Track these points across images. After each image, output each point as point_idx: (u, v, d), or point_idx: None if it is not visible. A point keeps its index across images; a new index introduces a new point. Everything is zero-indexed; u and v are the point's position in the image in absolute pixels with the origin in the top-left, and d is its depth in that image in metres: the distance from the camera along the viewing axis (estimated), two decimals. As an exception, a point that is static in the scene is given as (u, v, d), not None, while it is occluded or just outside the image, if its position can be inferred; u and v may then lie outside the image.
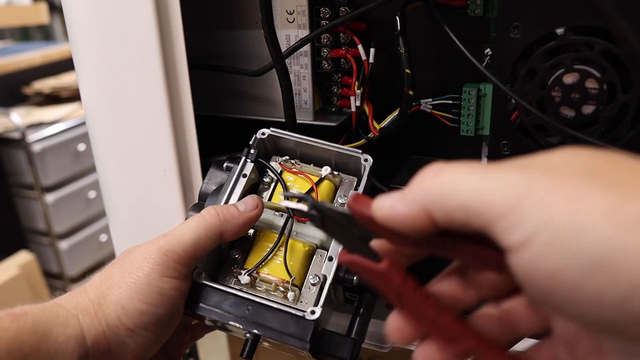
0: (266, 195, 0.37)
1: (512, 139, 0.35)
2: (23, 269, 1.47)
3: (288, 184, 0.37)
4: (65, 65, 1.91)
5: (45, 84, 1.80)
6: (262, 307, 0.32)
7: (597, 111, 0.32)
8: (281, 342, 0.31)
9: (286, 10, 0.42)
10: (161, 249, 0.32)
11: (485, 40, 0.37)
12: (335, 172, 0.37)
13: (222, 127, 0.49)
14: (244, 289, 0.34)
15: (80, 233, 1.70)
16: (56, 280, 1.68)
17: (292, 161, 0.37)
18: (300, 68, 0.43)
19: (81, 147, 1.67)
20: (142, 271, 0.31)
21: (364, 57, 0.41)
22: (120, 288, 0.31)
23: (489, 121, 0.37)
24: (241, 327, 0.32)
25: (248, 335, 0.32)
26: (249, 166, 0.36)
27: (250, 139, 0.37)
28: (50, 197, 1.58)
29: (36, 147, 1.53)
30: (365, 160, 0.35)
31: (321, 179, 0.36)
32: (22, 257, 1.51)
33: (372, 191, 0.36)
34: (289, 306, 0.32)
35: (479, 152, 0.40)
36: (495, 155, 0.36)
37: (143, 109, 0.41)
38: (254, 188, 0.38)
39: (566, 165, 0.17)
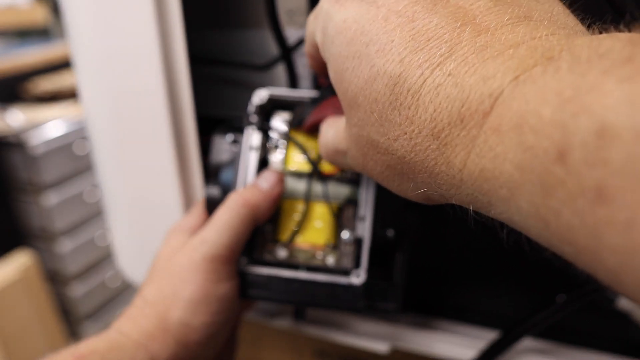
0: (278, 158, 0.36)
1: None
2: (22, 269, 1.47)
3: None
4: (65, 65, 1.91)
5: (44, 84, 1.80)
6: (308, 284, 0.33)
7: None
8: (334, 310, 0.33)
9: (286, 10, 0.42)
10: (206, 257, 0.31)
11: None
12: None
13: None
14: (284, 263, 0.34)
15: (80, 233, 1.70)
16: (56, 280, 1.68)
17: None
18: (300, 68, 0.43)
19: (81, 147, 1.67)
20: (196, 284, 0.31)
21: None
22: (180, 306, 0.31)
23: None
24: (292, 302, 0.33)
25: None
26: (256, 137, 0.35)
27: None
28: (49, 197, 1.58)
29: (35, 148, 1.53)
30: None
31: None
32: (22, 257, 1.51)
33: None
34: (334, 274, 0.33)
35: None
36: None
37: (143, 108, 0.41)
38: (263, 151, 0.37)
39: None
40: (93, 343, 0.29)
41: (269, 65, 0.43)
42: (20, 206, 1.63)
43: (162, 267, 0.33)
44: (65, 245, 1.64)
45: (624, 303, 0.35)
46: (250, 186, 0.34)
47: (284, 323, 0.44)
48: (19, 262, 1.48)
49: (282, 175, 0.34)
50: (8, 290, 1.41)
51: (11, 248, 1.58)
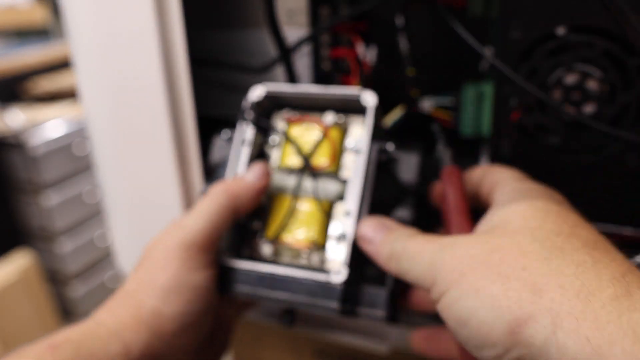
0: (275, 156, 0.36)
1: (512, 139, 0.35)
2: (22, 269, 1.47)
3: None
4: (65, 65, 1.91)
5: (44, 84, 1.79)
6: (286, 279, 0.31)
7: (597, 111, 0.32)
8: (312, 311, 0.31)
9: (286, 10, 0.42)
10: (182, 245, 0.31)
11: (485, 40, 0.37)
12: (340, 116, 0.35)
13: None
14: (268, 261, 0.33)
15: (80, 233, 1.70)
16: (56, 280, 1.68)
17: (294, 115, 0.36)
18: (300, 68, 0.43)
19: (80, 147, 1.67)
20: (169, 272, 0.30)
21: (363, 57, 0.41)
22: (153, 294, 0.30)
23: (489, 121, 0.37)
24: (267, 299, 0.32)
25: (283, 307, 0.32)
26: (250, 131, 0.35)
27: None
28: (49, 197, 1.58)
29: (35, 148, 1.53)
30: (368, 100, 0.33)
31: (326, 128, 0.34)
32: (22, 257, 1.51)
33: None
34: (314, 272, 0.31)
35: (478, 153, 0.40)
36: (496, 155, 0.36)
37: (143, 108, 0.40)
38: (260, 150, 0.36)
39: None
40: (68, 332, 0.29)
41: (268, 66, 0.43)
42: (20, 206, 1.63)
43: (144, 257, 0.32)
44: (65, 245, 1.64)
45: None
46: (235, 177, 0.34)
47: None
48: (19, 262, 1.48)
49: (269, 168, 0.34)
50: (8, 290, 1.41)
51: (11, 248, 1.58)
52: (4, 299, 1.39)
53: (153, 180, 0.43)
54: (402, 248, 0.27)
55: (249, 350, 0.57)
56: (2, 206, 1.63)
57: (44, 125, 1.59)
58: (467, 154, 0.40)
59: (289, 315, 0.36)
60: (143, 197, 0.44)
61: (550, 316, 0.19)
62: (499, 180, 0.30)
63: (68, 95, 1.79)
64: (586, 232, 0.23)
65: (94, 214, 1.74)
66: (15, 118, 1.55)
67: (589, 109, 0.32)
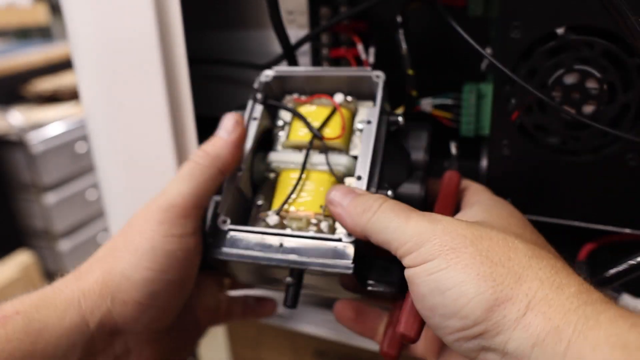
0: (283, 135, 0.36)
1: (512, 139, 0.35)
2: (22, 269, 1.47)
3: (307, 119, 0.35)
4: (65, 65, 1.91)
5: (45, 84, 1.80)
6: (295, 240, 0.30)
7: (597, 111, 0.32)
8: (323, 271, 0.29)
9: (286, 10, 0.42)
10: (161, 207, 0.30)
11: (485, 40, 0.37)
12: (349, 98, 0.35)
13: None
14: (274, 230, 0.32)
15: (80, 233, 1.70)
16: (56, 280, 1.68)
17: (303, 97, 0.36)
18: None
19: (81, 147, 1.67)
20: (144, 235, 0.29)
21: (363, 57, 0.41)
22: (124, 258, 0.29)
23: (489, 121, 0.37)
24: (275, 263, 0.30)
25: (288, 279, 0.30)
26: (258, 109, 0.35)
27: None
28: (49, 197, 1.58)
29: (36, 148, 1.53)
30: (377, 76, 0.34)
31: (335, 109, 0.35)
32: (22, 257, 1.51)
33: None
34: (323, 234, 0.30)
35: (478, 153, 0.40)
36: (496, 156, 0.36)
37: (143, 108, 0.41)
38: (268, 134, 0.36)
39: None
40: (20, 302, 0.28)
41: (272, 64, 0.43)
42: (21, 206, 1.64)
43: (125, 224, 0.31)
44: (66, 245, 1.64)
45: (624, 302, 0.35)
46: (211, 138, 0.33)
47: (284, 323, 0.44)
48: (20, 261, 1.49)
49: (240, 116, 0.33)
50: (8, 290, 1.41)
51: (12, 248, 1.58)
52: (4, 298, 1.39)
53: (153, 180, 0.43)
54: (379, 206, 0.27)
55: (249, 350, 0.57)
56: (3, 206, 1.63)
57: (46, 125, 1.59)
58: (467, 154, 0.40)
59: (292, 296, 0.33)
60: (143, 197, 0.44)
61: (526, 300, 0.22)
62: (474, 189, 0.33)
63: (69, 95, 1.79)
64: (552, 249, 0.29)
65: (94, 214, 1.74)
66: (16, 118, 1.55)
67: (589, 109, 0.32)
